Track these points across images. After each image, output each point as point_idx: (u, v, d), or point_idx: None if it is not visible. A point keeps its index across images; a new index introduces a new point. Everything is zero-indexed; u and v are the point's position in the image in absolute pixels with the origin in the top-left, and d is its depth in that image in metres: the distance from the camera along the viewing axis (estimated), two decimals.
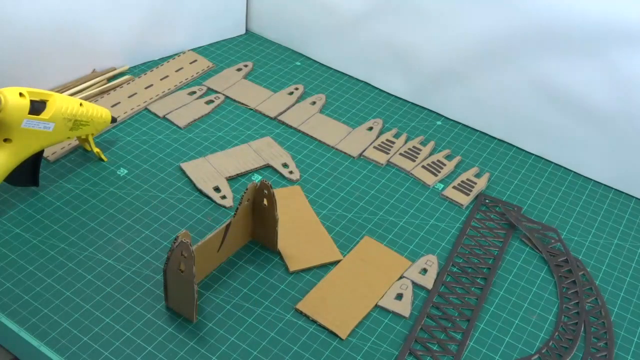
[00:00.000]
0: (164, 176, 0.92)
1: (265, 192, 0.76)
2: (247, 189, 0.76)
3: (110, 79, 1.08)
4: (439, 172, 0.97)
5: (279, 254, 0.82)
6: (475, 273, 0.83)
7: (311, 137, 1.02)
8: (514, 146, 1.05)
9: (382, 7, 1.06)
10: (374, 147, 1.01)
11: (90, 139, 0.90)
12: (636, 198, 0.98)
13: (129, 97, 1.04)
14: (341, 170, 0.96)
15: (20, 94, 0.75)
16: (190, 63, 1.14)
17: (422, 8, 1.01)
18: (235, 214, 0.76)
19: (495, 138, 1.06)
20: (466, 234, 0.88)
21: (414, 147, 1.01)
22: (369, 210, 0.90)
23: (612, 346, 0.76)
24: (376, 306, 0.78)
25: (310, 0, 1.14)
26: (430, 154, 1.01)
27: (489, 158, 1.02)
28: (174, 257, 0.68)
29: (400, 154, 1.00)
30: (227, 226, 0.76)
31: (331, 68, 1.18)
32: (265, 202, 0.77)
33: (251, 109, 1.06)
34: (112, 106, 1.02)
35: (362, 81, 1.16)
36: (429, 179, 0.96)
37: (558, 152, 1.02)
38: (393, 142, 1.02)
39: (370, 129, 1.04)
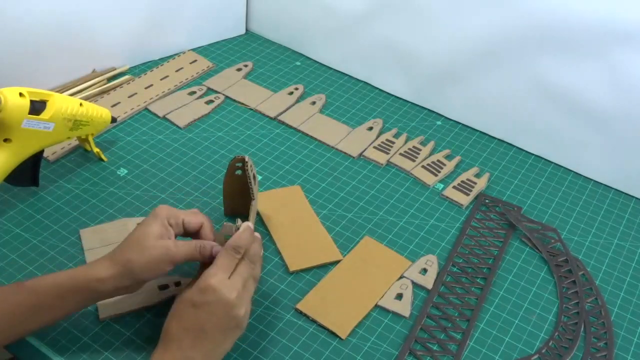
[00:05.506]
0: (164, 176, 0.91)
1: (239, 164, 0.79)
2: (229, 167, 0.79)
3: (110, 79, 1.08)
4: (439, 172, 0.97)
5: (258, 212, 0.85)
6: (475, 273, 0.83)
7: (311, 137, 1.02)
8: (514, 146, 1.05)
9: (382, 7, 1.06)
10: (374, 147, 1.01)
11: (90, 139, 0.90)
12: (636, 198, 0.98)
13: (129, 97, 1.04)
14: (341, 170, 0.96)
15: (20, 94, 0.75)
16: (190, 63, 1.14)
17: (422, 8, 1.01)
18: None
19: (495, 138, 1.06)
20: (466, 234, 0.88)
21: (414, 147, 1.01)
22: (369, 210, 0.90)
23: (612, 346, 0.76)
24: (376, 306, 0.78)
25: (310, 1, 1.14)
26: (430, 154, 1.01)
27: (489, 158, 1.02)
28: None
29: (400, 154, 1.00)
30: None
31: (331, 68, 1.18)
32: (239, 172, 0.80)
33: (251, 109, 1.06)
34: (112, 106, 1.02)
35: (362, 81, 1.16)
36: (429, 179, 0.96)
37: (558, 152, 1.02)
38: (393, 142, 1.02)
39: (370, 129, 1.04)
